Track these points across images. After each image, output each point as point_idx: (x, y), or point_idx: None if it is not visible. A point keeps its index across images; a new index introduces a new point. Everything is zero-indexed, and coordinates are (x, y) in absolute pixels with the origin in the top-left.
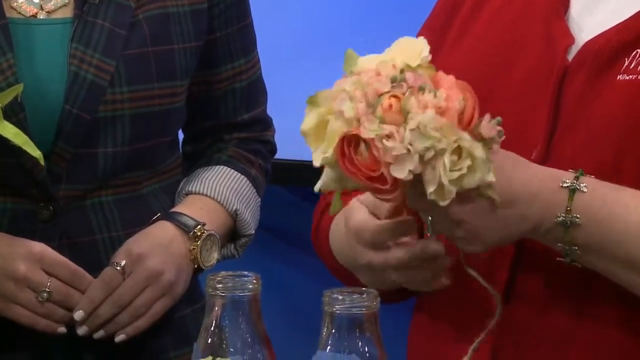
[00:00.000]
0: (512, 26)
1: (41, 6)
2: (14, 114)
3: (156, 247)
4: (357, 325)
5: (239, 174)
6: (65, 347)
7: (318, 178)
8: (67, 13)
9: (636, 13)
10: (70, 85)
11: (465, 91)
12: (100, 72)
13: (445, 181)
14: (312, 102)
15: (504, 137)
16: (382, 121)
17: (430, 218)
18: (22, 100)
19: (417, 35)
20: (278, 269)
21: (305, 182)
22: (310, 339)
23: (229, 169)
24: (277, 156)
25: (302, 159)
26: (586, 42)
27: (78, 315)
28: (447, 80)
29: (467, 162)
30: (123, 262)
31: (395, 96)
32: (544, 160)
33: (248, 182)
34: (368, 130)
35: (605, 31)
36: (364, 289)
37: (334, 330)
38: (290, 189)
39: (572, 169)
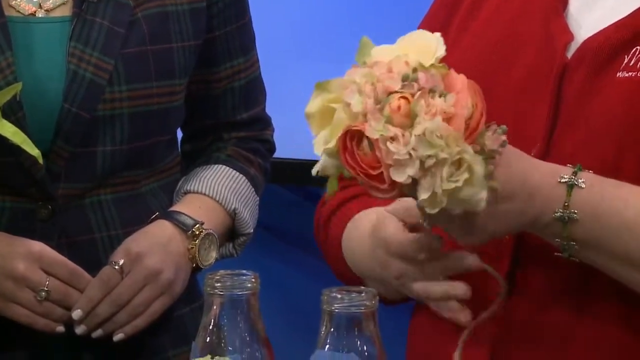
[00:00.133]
0: (511, 24)
1: (40, 4)
2: (12, 112)
3: (155, 246)
4: (356, 323)
5: (238, 173)
6: (65, 347)
7: (317, 178)
8: (66, 11)
9: (635, 10)
10: (69, 83)
11: (476, 96)
12: (99, 70)
13: (439, 190)
14: (321, 88)
15: (507, 146)
16: (389, 121)
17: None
18: (21, 99)
19: None
20: (277, 268)
21: (304, 181)
22: (309, 337)
23: (227, 168)
24: (276, 155)
25: (301, 158)
26: (585, 40)
27: (76, 314)
28: (460, 81)
29: (465, 175)
30: (121, 261)
31: (404, 97)
32: (544, 157)
33: (247, 181)
34: (373, 130)
35: (605, 28)
36: (362, 287)
37: (332, 329)
38: (289, 188)
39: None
